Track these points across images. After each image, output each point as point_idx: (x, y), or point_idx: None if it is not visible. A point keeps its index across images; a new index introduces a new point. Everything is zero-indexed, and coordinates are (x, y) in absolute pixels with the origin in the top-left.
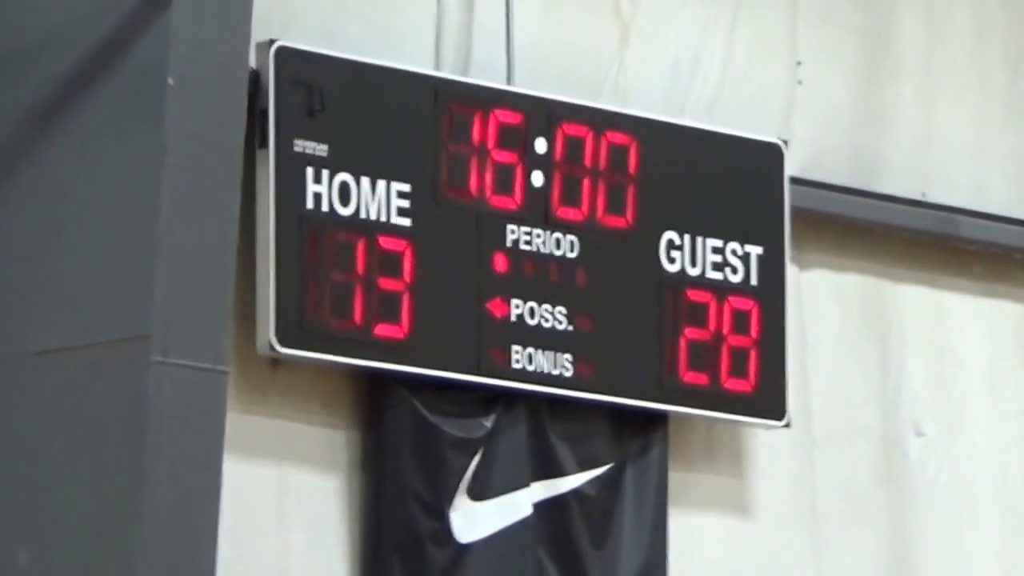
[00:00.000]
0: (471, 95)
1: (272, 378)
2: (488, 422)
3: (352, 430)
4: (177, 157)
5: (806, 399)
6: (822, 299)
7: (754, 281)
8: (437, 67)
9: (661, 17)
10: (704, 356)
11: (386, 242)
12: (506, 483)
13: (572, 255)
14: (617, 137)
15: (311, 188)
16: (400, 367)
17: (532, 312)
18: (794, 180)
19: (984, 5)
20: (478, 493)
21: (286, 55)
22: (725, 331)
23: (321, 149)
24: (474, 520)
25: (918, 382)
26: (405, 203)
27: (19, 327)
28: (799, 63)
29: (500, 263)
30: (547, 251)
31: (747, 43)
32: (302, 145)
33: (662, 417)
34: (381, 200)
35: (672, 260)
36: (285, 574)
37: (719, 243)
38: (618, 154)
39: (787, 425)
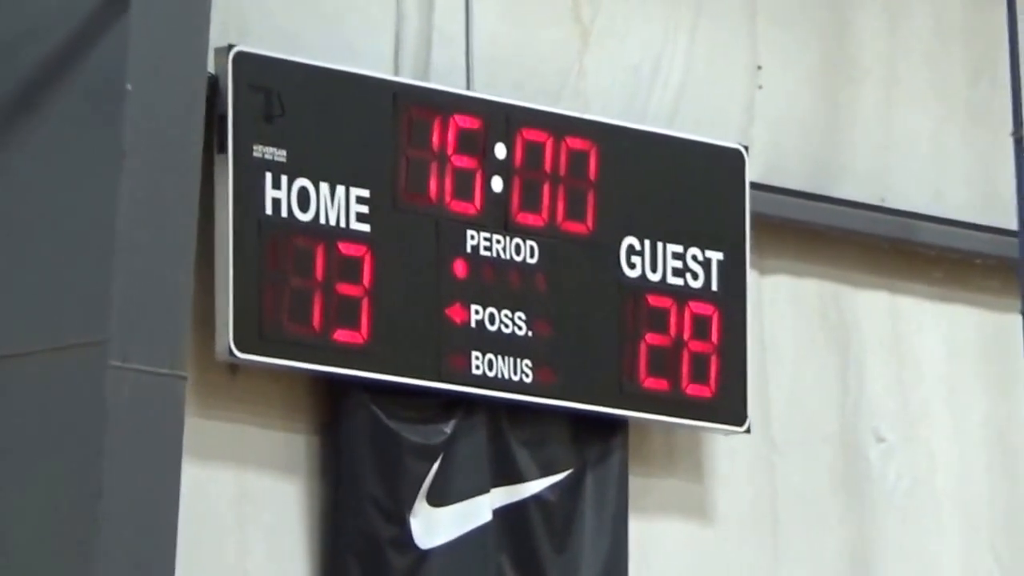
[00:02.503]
0: (430, 100)
1: (231, 383)
2: (448, 428)
3: (311, 435)
4: (136, 162)
5: (766, 404)
6: (782, 304)
7: (715, 287)
8: (396, 72)
9: (621, 22)
10: (664, 362)
11: (345, 248)
12: (466, 489)
13: (532, 261)
14: (577, 142)
15: (270, 193)
16: (359, 373)
17: (492, 318)
18: (754, 185)
19: (945, 11)
20: (438, 499)
21: (245, 60)
22: (686, 336)
23: (280, 154)
24: (434, 526)
25: (878, 387)
26: (364, 209)
27: None
28: (759, 68)
29: (460, 269)
30: (507, 257)
31: (707, 48)
32: (261, 150)
33: (622, 423)
34: (340, 206)
35: (632, 265)
36: None
37: (679, 248)
38: (578, 159)
39: (747, 430)
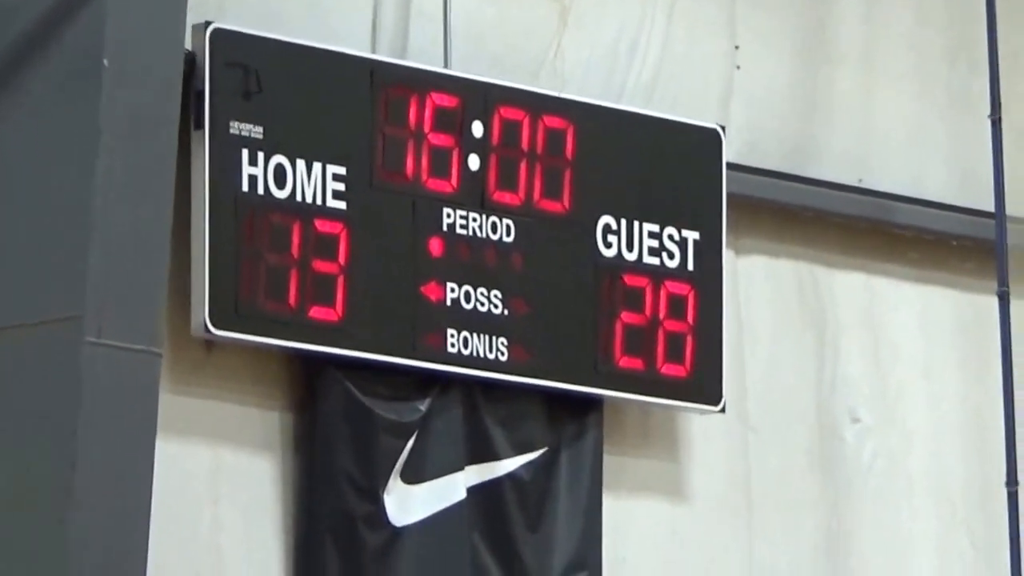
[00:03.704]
0: (407, 78)
1: (206, 360)
2: (423, 405)
3: (286, 412)
4: (112, 138)
5: (742, 384)
6: (758, 285)
7: (691, 266)
8: (373, 50)
9: (599, 2)
10: (640, 341)
11: (322, 225)
12: (440, 467)
13: (508, 239)
14: (554, 121)
15: (246, 170)
16: (334, 350)
17: (468, 296)
18: (731, 165)
19: None
20: (412, 476)
21: (222, 37)
22: (661, 316)
23: (257, 131)
24: (408, 503)
25: (854, 368)
26: (341, 186)
27: None
28: (737, 48)
29: (436, 247)
30: (483, 235)
31: (685, 28)
32: (237, 127)
33: (597, 401)
34: (317, 183)
35: (609, 245)
36: (218, 554)
37: (656, 228)
38: (555, 138)
39: (722, 410)
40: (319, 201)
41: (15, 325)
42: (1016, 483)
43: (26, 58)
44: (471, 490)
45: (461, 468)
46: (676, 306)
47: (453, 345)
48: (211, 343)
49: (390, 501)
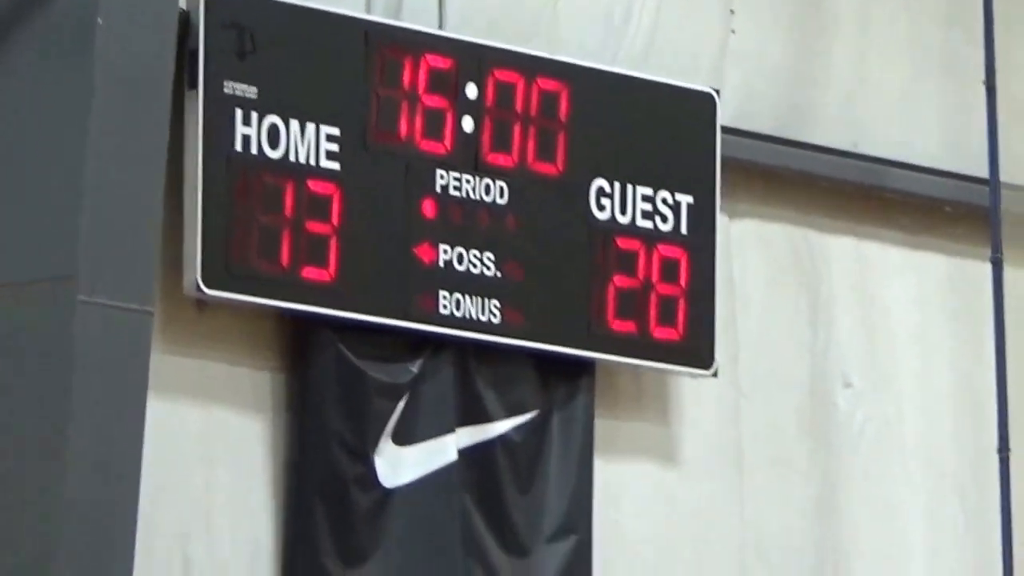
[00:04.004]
0: (402, 39)
1: (198, 319)
2: (414, 367)
3: (277, 372)
4: (105, 97)
5: (734, 348)
6: (752, 249)
7: (684, 230)
8: (368, 10)
9: None
10: (632, 304)
11: (315, 185)
12: (432, 428)
13: (502, 201)
14: (548, 83)
15: (240, 130)
16: (327, 311)
17: (460, 258)
18: (725, 129)
19: None
20: (403, 438)
21: None
22: (654, 279)
23: (251, 91)
24: (399, 465)
25: (846, 333)
26: (334, 147)
27: None
28: (732, 12)
29: (429, 208)
30: (476, 197)
31: None
32: (231, 87)
33: (589, 364)
34: (310, 143)
35: (602, 208)
36: (208, 515)
37: (649, 191)
38: (549, 100)
39: (715, 374)
40: (312, 162)
41: (8, 284)
42: (1008, 449)
43: (20, 17)
44: (462, 452)
45: (452, 430)
46: (669, 269)
47: (445, 307)
48: (203, 303)
49: (381, 462)
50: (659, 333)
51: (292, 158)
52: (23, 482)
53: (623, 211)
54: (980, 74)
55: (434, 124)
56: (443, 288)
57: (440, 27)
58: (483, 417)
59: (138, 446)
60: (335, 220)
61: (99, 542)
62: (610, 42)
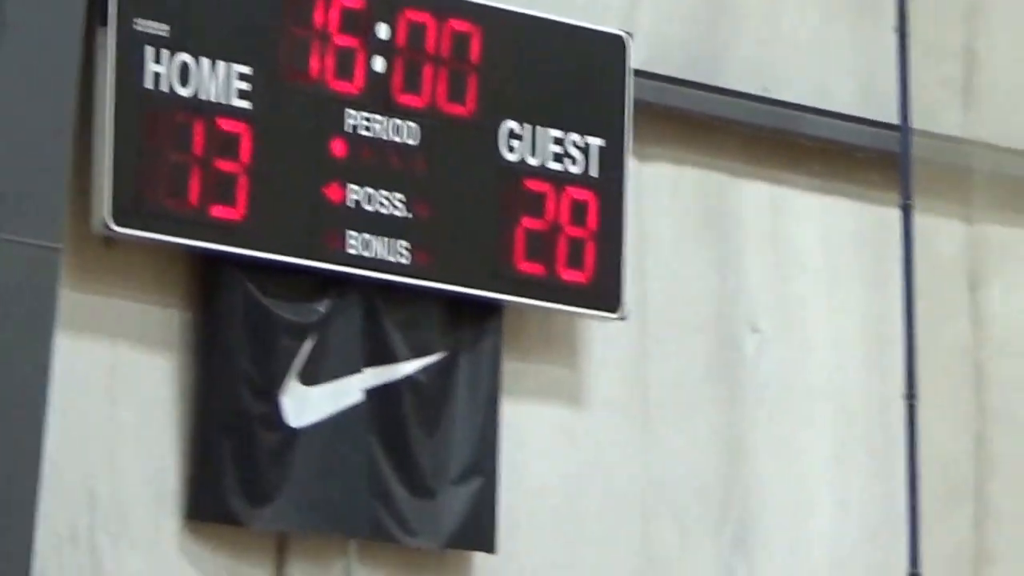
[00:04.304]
0: None
1: (106, 257)
2: (322, 307)
3: (185, 311)
4: (16, 33)
5: (643, 292)
6: (662, 193)
7: (593, 172)
8: None
9: None
10: (541, 246)
11: (225, 124)
12: (338, 369)
13: (412, 142)
14: (460, 25)
15: (151, 68)
16: (235, 249)
17: (370, 198)
18: (637, 72)
19: None
20: (310, 378)
21: None
22: (563, 222)
23: (162, 29)
24: (305, 405)
25: (755, 278)
26: (245, 85)
27: None
28: None
29: (339, 148)
30: (387, 137)
31: None
32: (143, 24)
33: (497, 306)
34: (221, 81)
35: (512, 149)
36: (113, 453)
37: (560, 134)
38: (461, 42)
39: (622, 318)
40: (223, 100)
41: None
42: (914, 395)
43: None
44: (369, 392)
45: (359, 370)
46: (578, 212)
47: (354, 247)
48: (112, 240)
49: (287, 402)
50: (567, 275)
51: (203, 96)
52: None
53: (533, 153)
54: (892, 19)
55: (345, 64)
56: (352, 228)
57: None
58: (390, 358)
59: (44, 383)
60: (245, 159)
61: (3, 478)
62: None
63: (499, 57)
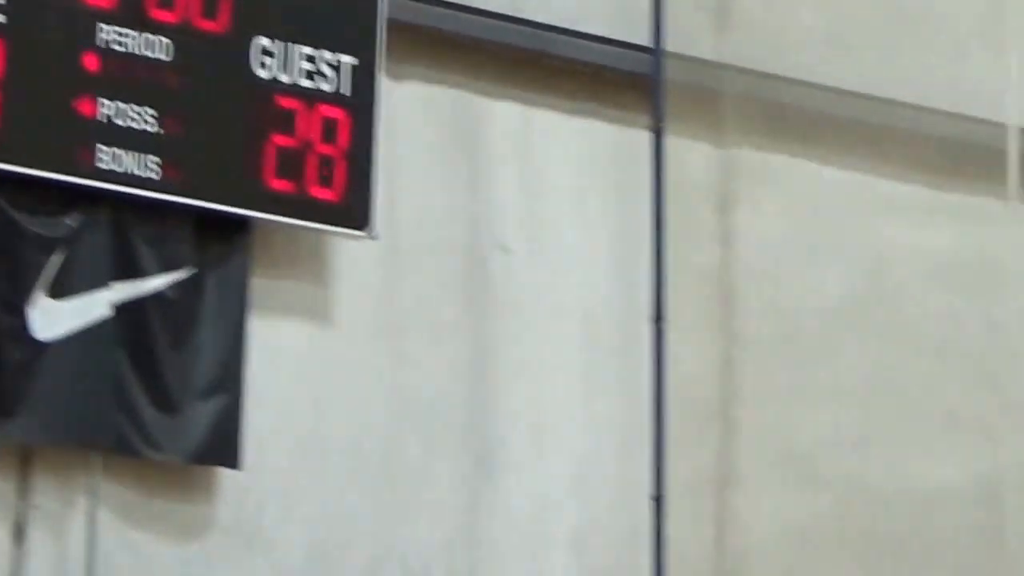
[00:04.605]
0: None
1: None
2: (71, 221)
3: None
4: None
5: (393, 211)
6: (414, 112)
7: (346, 91)
8: None
9: None
10: (291, 164)
11: None
12: (87, 283)
13: (164, 57)
14: None
15: None
16: None
17: (121, 113)
18: None
19: None
20: (58, 291)
21: None
22: (314, 139)
23: None
24: (53, 318)
25: (506, 198)
26: None
27: None
28: None
29: (91, 62)
30: (139, 52)
31: None
32: None
33: (246, 223)
34: None
35: (264, 66)
36: None
37: (312, 51)
38: None
39: (373, 237)
40: None
41: None
42: (662, 318)
43: None
44: (117, 307)
45: (107, 285)
46: (329, 130)
47: (104, 161)
48: None
49: (35, 315)
50: (317, 193)
51: None
52: None
53: (285, 70)
54: None
55: None
56: (102, 142)
57: None
58: (138, 273)
59: None
60: None
61: None
62: None
63: None
